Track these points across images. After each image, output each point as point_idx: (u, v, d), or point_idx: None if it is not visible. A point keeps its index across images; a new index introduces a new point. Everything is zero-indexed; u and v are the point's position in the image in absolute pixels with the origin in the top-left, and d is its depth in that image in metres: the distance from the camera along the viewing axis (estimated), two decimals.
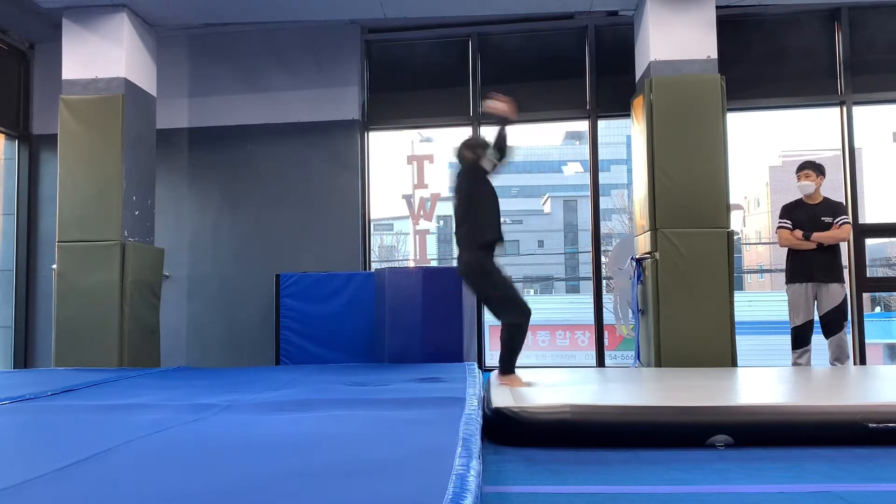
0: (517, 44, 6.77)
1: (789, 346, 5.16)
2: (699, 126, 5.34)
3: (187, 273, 6.70)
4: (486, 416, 3.34)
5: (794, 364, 5.09)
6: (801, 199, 5.18)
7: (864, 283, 6.09)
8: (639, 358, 5.61)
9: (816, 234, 4.98)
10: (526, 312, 3.97)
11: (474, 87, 6.68)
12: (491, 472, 2.78)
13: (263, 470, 2.10)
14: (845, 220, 5.02)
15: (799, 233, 5.03)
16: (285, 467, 2.13)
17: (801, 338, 5.08)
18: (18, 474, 2.07)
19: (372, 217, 6.83)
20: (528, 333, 4.10)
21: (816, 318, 5.07)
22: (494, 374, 4.21)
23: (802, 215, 5.09)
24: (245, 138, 6.73)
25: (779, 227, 5.19)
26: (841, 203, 5.38)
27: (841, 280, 5.03)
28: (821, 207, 5.07)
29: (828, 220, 5.00)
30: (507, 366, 4.00)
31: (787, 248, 5.19)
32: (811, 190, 5.08)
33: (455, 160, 4.23)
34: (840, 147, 6.30)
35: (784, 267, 5.24)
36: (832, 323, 4.98)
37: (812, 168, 5.10)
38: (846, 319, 5.09)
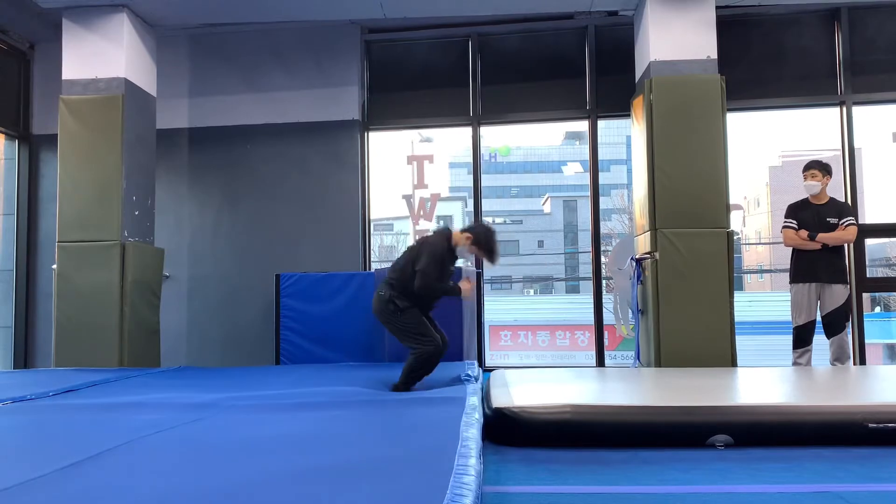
0: (517, 44, 6.77)
1: (789, 346, 5.16)
2: (699, 126, 5.34)
3: (187, 273, 6.70)
4: (486, 416, 3.34)
5: (795, 364, 5.09)
6: (807, 199, 5.16)
7: (864, 283, 6.09)
8: (639, 358, 5.61)
9: (822, 234, 4.97)
10: (435, 344, 4.00)
11: (474, 87, 6.68)
12: (491, 472, 2.78)
13: (263, 470, 2.10)
14: (851, 222, 5.00)
15: (804, 233, 5.02)
16: (285, 467, 2.13)
17: (802, 338, 5.08)
18: (18, 474, 2.07)
19: (372, 217, 6.84)
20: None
21: (819, 318, 5.06)
22: (493, 373, 4.21)
23: (808, 215, 5.08)
24: (245, 138, 6.74)
25: (784, 227, 5.18)
26: (847, 204, 5.37)
27: (845, 281, 5.03)
28: (826, 208, 5.06)
29: (833, 220, 5.00)
30: (403, 386, 4.00)
31: (791, 248, 5.18)
32: (817, 190, 5.07)
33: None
34: (840, 147, 6.30)
35: (786, 267, 5.24)
36: (834, 323, 4.98)
37: (818, 168, 5.08)
38: (848, 320, 5.09)
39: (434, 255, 4.01)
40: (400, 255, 4.21)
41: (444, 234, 4.17)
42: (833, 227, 4.99)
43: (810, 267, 5.03)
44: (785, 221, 5.19)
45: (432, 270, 3.98)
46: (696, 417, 3.22)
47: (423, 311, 4.12)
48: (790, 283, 5.17)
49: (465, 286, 4.13)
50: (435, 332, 4.07)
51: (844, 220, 4.99)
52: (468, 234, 4.09)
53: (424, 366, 4.00)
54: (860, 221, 6.23)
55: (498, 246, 4.11)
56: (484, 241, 4.07)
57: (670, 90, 5.38)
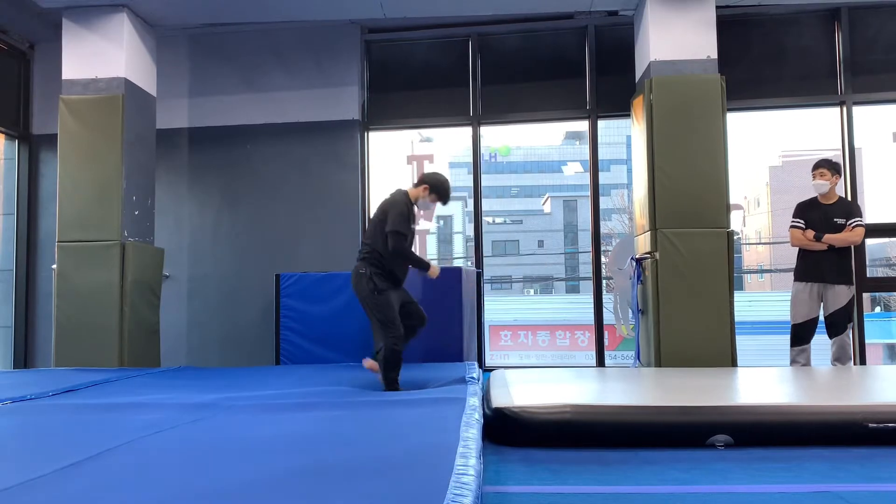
0: (517, 44, 6.77)
1: (789, 346, 5.14)
2: (699, 126, 5.34)
3: (187, 273, 6.70)
4: (486, 416, 3.34)
5: (793, 361, 5.08)
6: (815, 198, 5.13)
7: (865, 283, 6.08)
8: (639, 358, 5.61)
9: (828, 235, 4.94)
10: (399, 336, 4.03)
11: (474, 87, 6.68)
12: (491, 472, 2.78)
13: (263, 470, 2.10)
14: (858, 223, 4.95)
15: (810, 233, 5.00)
16: (285, 467, 2.13)
17: (800, 336, 5.07)
18: (18, 474, 2.07)
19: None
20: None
21: (821, 317, 5.05)
22: (493, 373, 4.21)
23: (816, 215, 5.05)
24: (245, 138, 6.73)
25: (791, 226, 5.16)
26: (856, 204, 5.33)
27: (848, 282, 4.99)
28: (835, 208, 5.03)
29: (840, 221, 4.96)
30: (390, 386, 4.01)
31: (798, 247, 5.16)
32: (825, 189, 5.03)
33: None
34: (840, 147, 6.30)
35: (786, 266, 5.24)
36: (836, 324, 4.97)
37: (827, 167, 5.03)
38: (851, 321, 5.05)
39: (402, 213, 4.09)
40: (368, 226, 4.26)
41: (402, 192, 4.24)
42: (840, 228, 4.96)
43: (815, 267, 5.01)
44: (792, 221, 5.17)
45: (402, 227, 4.06)
46: (696, 417, 3.22)
47: (397, 288, 4.18)
48: (794, 280, 5.15)
49: (435, 268, 4.23)
50: (400, 322, 4.08)
51: (852, 221, 4.95)
52: (424, 185, 4.21)
53: (394, 359, 4.01)
54: None
55: (450, 188, 4.28)
56: (441, 187, 4.22)
57: (670, 90, 5.38)
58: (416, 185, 4.26)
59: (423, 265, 4.20)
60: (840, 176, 5.10)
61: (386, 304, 4.05)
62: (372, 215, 4.27)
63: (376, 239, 4.11)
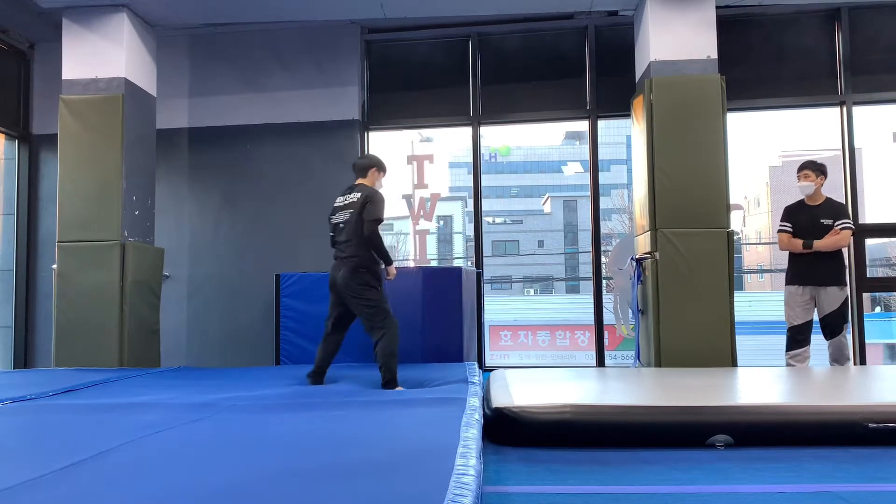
0: (517, 44, 6.77)
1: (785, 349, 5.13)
2: (699, 126, 5.34)
3: (187, 273, 6.70)
4: (486, 416, 3.34)
5: (787, 365, 5.06)
6: (802, 200, 5.14)
7: (864, 283, 6.08)
8: (639, 358, 5.61)
9: (816, 242, 4.92)
10: (396, 323, 4.13)
11: (474, 87, 6.68)
12: (491, 472, 2.78)
13: (263, 470, 2.10)
14: (846, 225, 4.93)
15: (798, 243, 4.98)
16: (285, 467, 2.13)
17: (796, 339, 5.05)
18: (18, 474, 2.07)
19: None
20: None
21: (816, 319, 5.05)
22: (493, 373, 4.21)
23: (803, 218, 5.04)
24: (245, 138, 6.74)
25: (779, 230, 5.15)
26: (843, 205, 5.30)
27: (840, 283, 4.97)
28: (822, 209, 5.01)
29: (827, 222, 4.95)
30: (391, 380, 4.02)
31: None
32: (811, 191, 5.04)
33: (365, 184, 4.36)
34: (840, 147, 6.30)
35: (785, 265, 5.22)
36: (832, 325, 4.95)
37: (812, 168, 5.03)
38: (846, 322, 5.04)
39: (382, 200, 4.22)
40: (343, 227, 4.23)
41: (366, 186, 4.31)
42: (827, 229, 4.93)
43: (806, 270, 4.99)
44: (780, 225, 5.16)
45: (383, 215, 4.19)
46: (696, 417, 3.22)
47: None
48: (785, 284, 5.15)
49: (392, 271, 4.31)
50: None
51: (840, 222, 4.93)
52: (373, 168, 4.39)
53: (395, 345, 4.05)
54: (860, 221, 6.24)
55: None
56: (382, 162, 4.46)
57: (670, 90, 5.38)
58: (365, 176, 4.35)
59: (389, 259, 4.23)
60: (825, 177, 5.09)
61: (385, 299, 4.15)
62: (343, 218, 4.23)
63: (359, 235, 4.13)
